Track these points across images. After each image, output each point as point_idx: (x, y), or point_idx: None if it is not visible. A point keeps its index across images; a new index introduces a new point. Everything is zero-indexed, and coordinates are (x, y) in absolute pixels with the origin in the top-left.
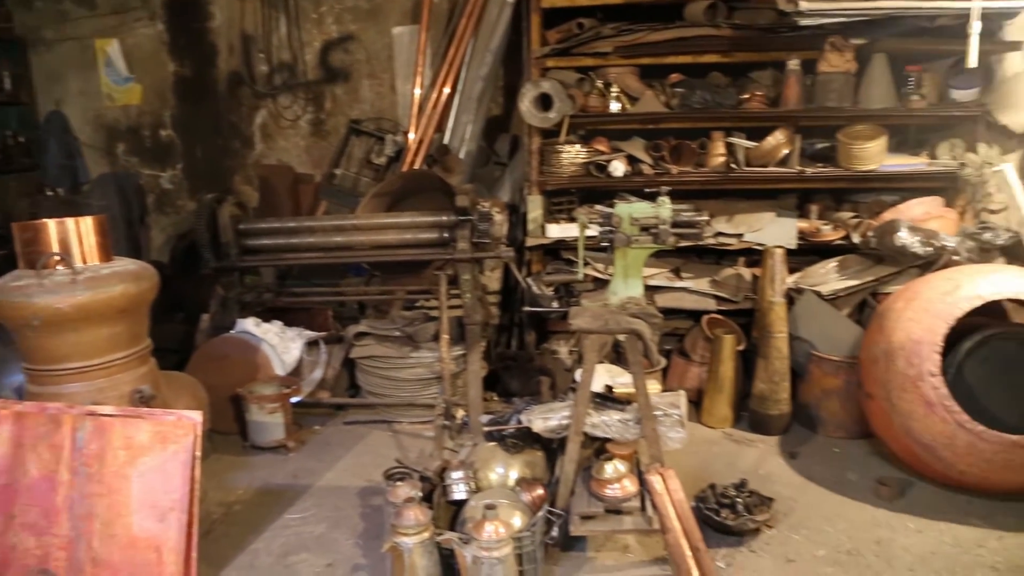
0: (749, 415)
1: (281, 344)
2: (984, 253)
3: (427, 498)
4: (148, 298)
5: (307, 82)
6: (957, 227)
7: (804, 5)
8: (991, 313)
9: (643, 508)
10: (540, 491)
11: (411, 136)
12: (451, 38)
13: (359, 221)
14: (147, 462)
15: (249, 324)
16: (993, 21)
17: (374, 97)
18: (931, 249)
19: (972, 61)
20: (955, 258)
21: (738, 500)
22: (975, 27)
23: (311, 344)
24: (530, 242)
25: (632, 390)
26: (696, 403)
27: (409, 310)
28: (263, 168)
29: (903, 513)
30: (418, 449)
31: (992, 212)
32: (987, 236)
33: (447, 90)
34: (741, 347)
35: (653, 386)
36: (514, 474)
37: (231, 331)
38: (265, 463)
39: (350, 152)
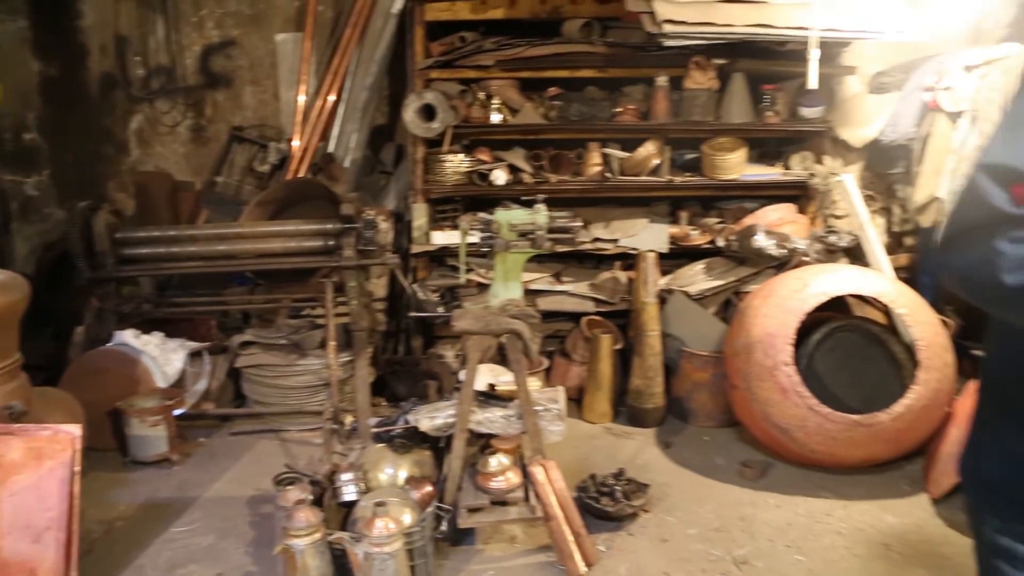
0: (627, 410)
1: (162, 356)
2: (830, 254)
3: (317, 502)
4: (18, 310)
5: (187, 87)
6: (807, 231)
7: (667, 27)
8: (836, 308)
9: (527, 498)
10: (429, 488)
11: (295, 144)
12: (336, 47)
13: (242, 229)
14: (20, 481)
15: (128, 336)
16: (833, 48)
17: (257, 104)
18: (785, 251)
19: (812, 83)
20: (805, 259)
21: (617, 488)
22: (813, 53)
23: (194, 355)
24: (415, 249)
25: (514, 388)
26: (578, 400)
27: (295, 318)
28: (140, 175)
29: (765, 491)
30: (307, 456)
31: (837, 218)
32: (832, 239)
33: (332, 98)
34: (618, 346)
35: (534, 384)
36: (403, 474)
37: (108, 344)
38: (148, 478)
39: (232, 160)
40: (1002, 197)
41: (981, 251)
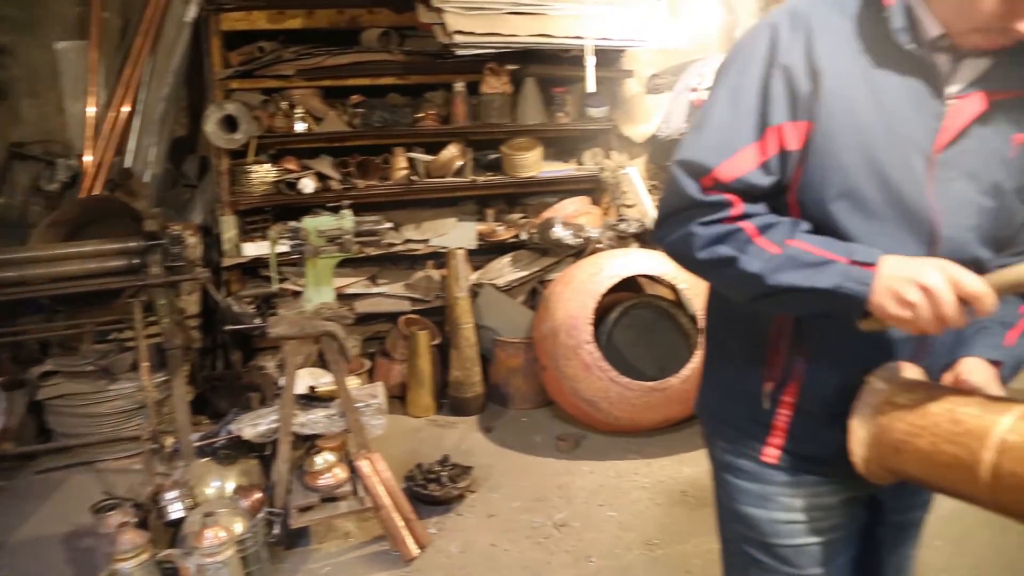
0: (449, 401)
1: None
2: (621, 240)
3: (142, 524)
4: None
5: None
6: (601, 220)
7: (458, 38)
8: (630, 288)
9: (355, 492)
10: (258, 495)
11: (87, 160)
12: (126, 57)
13: (35, 253)
14: None
15: None
16: (611, 54)
17: (38, 118)
18: (581, 240)
19: (591, 87)
20: (599, 246)
21: (443, 473)
22: (590, 60)
23: None
24: (227, 262)
25: (334, 387)
26: (402, 397)
27: (102, 343)
28: None
29: (579, 460)
30: (127, 483)
31: (627, 207)
32: (623, 226)
33: (126, 111)
34: (436, 341)
35: (355, 382)
36: (231, 485)
37: None
38: None
39: (14, 179)
40: (694, 187)
41: (681, 232)
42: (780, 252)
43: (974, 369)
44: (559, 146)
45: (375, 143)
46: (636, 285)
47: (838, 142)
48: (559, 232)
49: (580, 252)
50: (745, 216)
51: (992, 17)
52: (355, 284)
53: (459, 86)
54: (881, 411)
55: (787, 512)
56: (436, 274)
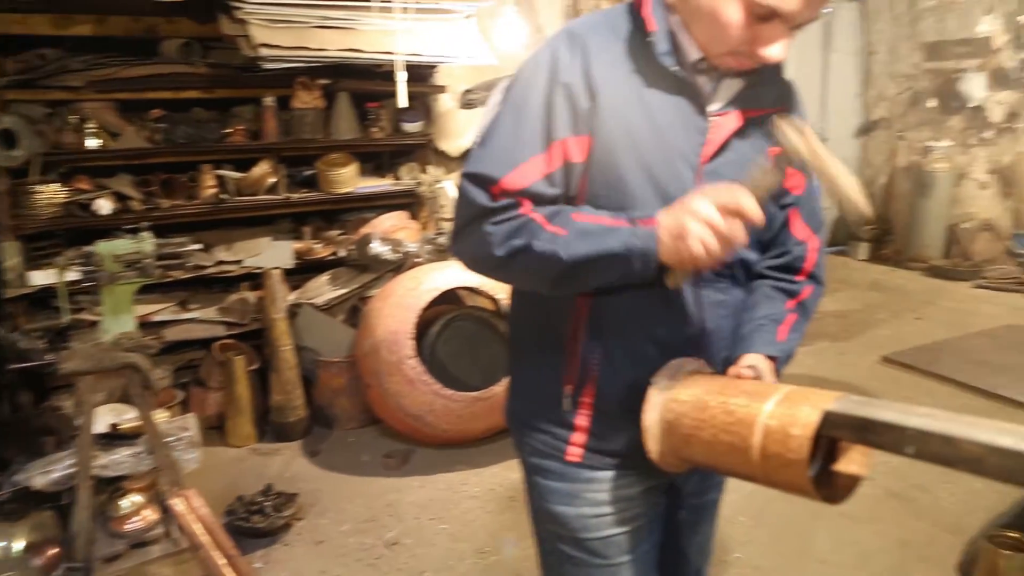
0: (271, 427)
1: None
2: (440, 253)
3: None
4: None
5: None
6: (420, 235)
7: (264, 51)
8: (451, 300)
9: (169, 534)
10: (54, 550)
11: None
12: None
13: None
14: None
15: None
16: (423, 70)
17: None
18: (399, 255)
19: (403, 102)
20: (418, 260)
21: (266, 504)
22: (400, 75)
23: None
24: (10, 293)
25: (139, 423)
26: (220, 427)
27: None
28: None
29: (409, 476)
30: None
31: (445, 220)
32: (441, 240)
33: None
34: (254, 366)
35: (163, 415)
36: (19, 544)
37: None
38: None
39: None
40: (483, 196)
41: (478, 236)
42: (569, 231)
43: (753, 365)
44: (375, 161)
45: (180, 160)
46: (457, 298)
47: (616, 156)
48: (377, 248)
49: (399, 267)
50: (534, 209)
51: (739, 43)
52: (163, 310)
53: (269, 100)
54: (668, 409)
55: (593, 507)
56: (252, 296)
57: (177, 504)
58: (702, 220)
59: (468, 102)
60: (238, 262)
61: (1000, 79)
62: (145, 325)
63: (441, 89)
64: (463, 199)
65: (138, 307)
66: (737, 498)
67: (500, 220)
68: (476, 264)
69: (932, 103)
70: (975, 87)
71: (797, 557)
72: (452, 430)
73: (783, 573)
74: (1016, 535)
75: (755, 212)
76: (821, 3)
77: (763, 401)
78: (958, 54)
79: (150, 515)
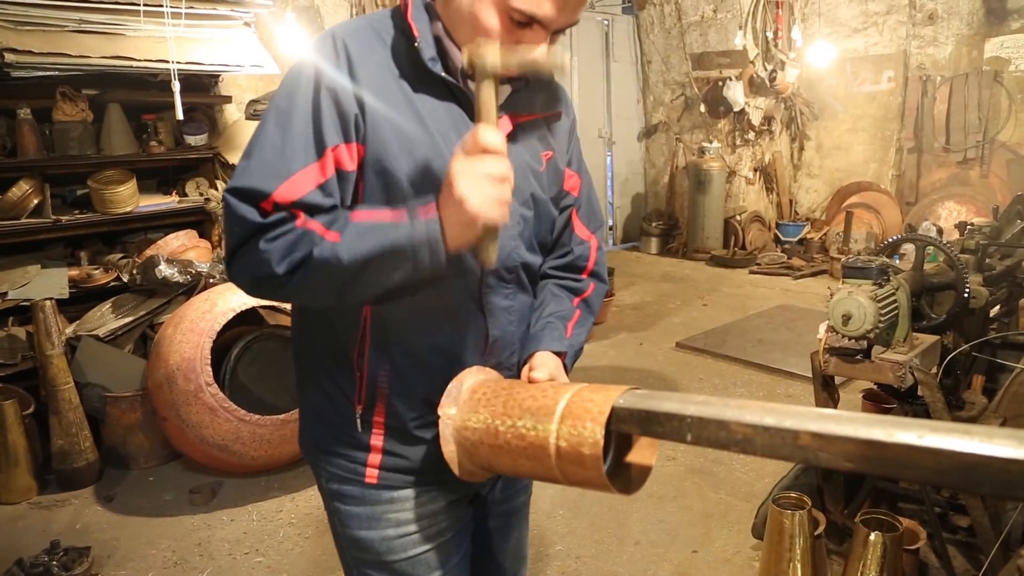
0: (55, 476)
1: None
2: None
3: None
4: None
5: None
6: (212, 254)
7: (10, 57)
8: (252, 321)
9: None
10: None
11: None
12: None
13: None
14: None
15: None
16: (206, 79)
17: None
18: (190, 276)
19: (179, 114)
20: (211, 280)
21: (53, 564)
22: (175, 85)
23: None
24: None
25: None
26: None
27: None
28: None
29: (218, 510)
30: None
31: None
32: None
33: None
34: (30, 410)
35: None
36: None
37: None
38: None
39: None
40: (254, 212)
41: (254, 255)
42: (348, 232)
43: (543, 363)
44: (158, 177)
45: None
46: (258, 318)
47: (391, 162)
48: (164, 270)
49: (191, 289)
50: (309, 219)
51: None
52: None
53: (24, 112)
54: (463, 437)
55: (396, 527)
56: (22, 332)
57: None
58: (468, 176)
59: (255, 113)
60: (2, 295)
61: (756, 86)
62: None
63: (226, 99)
64: (232, 218)
65: None
66: (554, 492)
67: (275, 236)
68: (257, 286)
69: (702, 108)
70: (737, 94)
71: (615, 542)
72: (262, 456)
73: (602, 559)
74: (795, 495)
75: (496, 136)
76: (577, 8)
77: (549, 421)
78: (720, 64)
79: None
